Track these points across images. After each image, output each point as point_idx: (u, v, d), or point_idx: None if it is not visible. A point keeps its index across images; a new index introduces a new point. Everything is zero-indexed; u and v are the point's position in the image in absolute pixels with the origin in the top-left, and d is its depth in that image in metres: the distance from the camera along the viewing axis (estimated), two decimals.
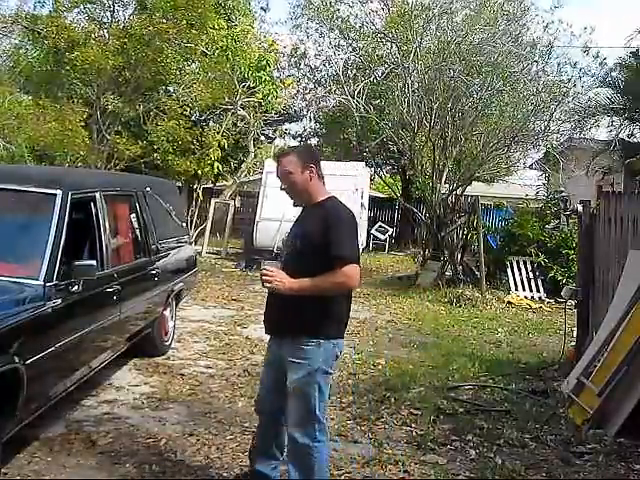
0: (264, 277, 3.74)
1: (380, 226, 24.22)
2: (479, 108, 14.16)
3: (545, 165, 18.14)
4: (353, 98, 15.84)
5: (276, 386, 3.96)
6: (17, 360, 3.87)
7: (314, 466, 3.82)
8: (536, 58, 14.82)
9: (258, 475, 4.13)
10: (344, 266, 3.68)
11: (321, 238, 3.72)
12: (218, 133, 17.50)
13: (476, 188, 18.59)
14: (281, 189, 3.97)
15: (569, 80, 14.71)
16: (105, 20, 17.31)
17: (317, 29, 22.86)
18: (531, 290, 13.83)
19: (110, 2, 17.35)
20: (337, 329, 3.90)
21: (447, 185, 15.57)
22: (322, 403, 3.87)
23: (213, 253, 18.16)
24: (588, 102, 14.56)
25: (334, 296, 3.83)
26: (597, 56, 14.71)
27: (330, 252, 3.68)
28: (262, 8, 23.33)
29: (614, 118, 14.18)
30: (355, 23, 21.16)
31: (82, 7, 16.72)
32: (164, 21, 15.11)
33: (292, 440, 3.85)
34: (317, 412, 3.82)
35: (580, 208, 7.93)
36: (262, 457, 4.12)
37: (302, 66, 25.26)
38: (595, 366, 6.16)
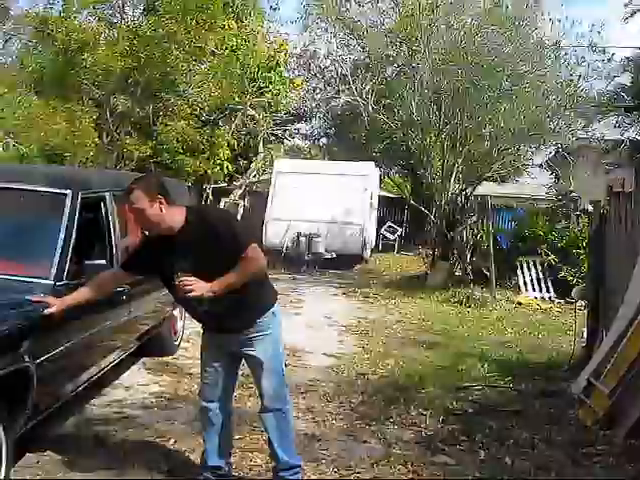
0: (186, 287, 3.74)
1: (389, 226, 24.17)
2: (488, 108, 14.11)
3: (555, 165, 18.07)
4: (362, 98, 15.83)
5: (226, 376, 4.16)
6: (27, 359, 3.89)
7: (289, 429, 4.23)
8: (544, 55, 14.77)
9: (213, 469, 4.21)
10: (249, 252, 3.82)
11: (219, 246, 3.79)
12: (228, 133, 17.53)
13: (486, 188, 18.54)
14: (134, 222, 3.98)
15: (579, 77, 14.65)
16: (115, 21, 17.38)
17: (327, 29, 22.89)
18: (541, 290, 13.78)
19: (120, 3, 17.43)
20: (274, 292, 4.19)
21: (457, 185, 15.54)
22: (283, 366, 4.24)
23: None
24: (597, 100, 14.49)
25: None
26: (604, 51, 14.64)
27: (233, 249, 3.78)
28: (272, 7, 23.28)
29: (623, 117, 14.11)
30: (365, 22, 21.17)
31: (92, 8, 16.78)
32: (173, 22, 15.15)
33: (268, 409, 4.11)
34: (284, 378, 4.21)
35: (590, 208, 7.90)
36: (213, 454, 4.21)
37: (312, 66, 25.30)
38: (605, 367, 6.13)
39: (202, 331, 4.28)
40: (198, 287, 3.74)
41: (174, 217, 3.88)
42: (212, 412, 4.16)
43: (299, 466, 4.24)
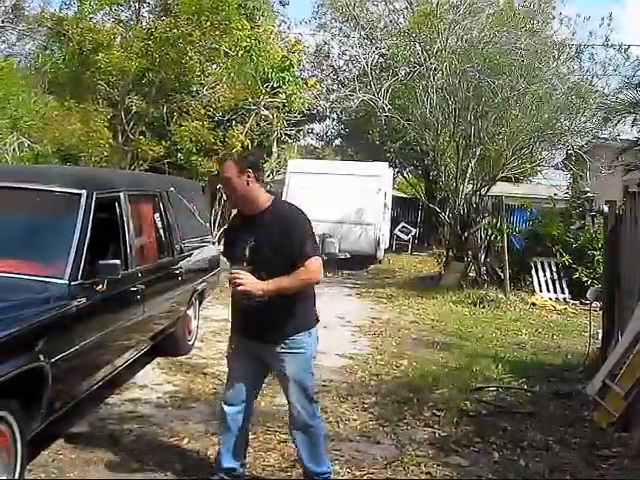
0: (237, 280, 3.79)
1: (403, 226, 24.13)
2: (502, 108, 14.06)
3: (570, 165, 17.97)
4: (377, 98, 15.81)
5: (251, 381, 4.18)
6: (42, 358, 3.91)
7: (320, 441, 4.19)
8: (556, 53, 14.72)
9: (228, 470, 4.20)
10: (310, 263, 3.89)
11: (287, 244, 3.88)
12: (241, 134, 17.52)
13: (501, 188, 18.48)
14: (222, 192, 4.02)
15: (593, 76, 14.59)
16: (130, 22, 17.46)
17: (341, 28, 22.93)
18: (555, 291, 13.69)
19: (136, 5, 17.51)
20: (316, 315, 4.19)
21: (471, 185, 15.49)
22: (312, 383, 4.20)
23: None
24: (613, 99, 14.41)
25: (310, 289, 4.09)
26: (619, 48, 14.57)
27: (296, 253, 3.87)
28: (281, 3, 23.24)
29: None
30: (379, 22, 21.18)
31: (107, 9, 16.85)
32: (189, 22, 15.19)
33: (297, 425, 4.12)
34: (312, 393, 4.17)
35: (606, 208, 7.84)
36: (228, 455, 4.19)
37: (325, 67, 25.35)
38: (620, 368, 6.08)
39: (230, 333, 4.27)
40: (249, 284, 3.79)
41: (260, 195, 4.00)
42: (231, 416, 4.15)
43: (328, 472, 4.24)
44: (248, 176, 3.93)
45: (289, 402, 4.11)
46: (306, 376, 4.10)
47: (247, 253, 3.95)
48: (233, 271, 3.85)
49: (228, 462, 4.18)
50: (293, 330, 4.00)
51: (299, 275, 3.87)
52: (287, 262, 3.86)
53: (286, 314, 3.95)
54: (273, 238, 3.91)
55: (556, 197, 17.21)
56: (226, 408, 4.17)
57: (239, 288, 3.80)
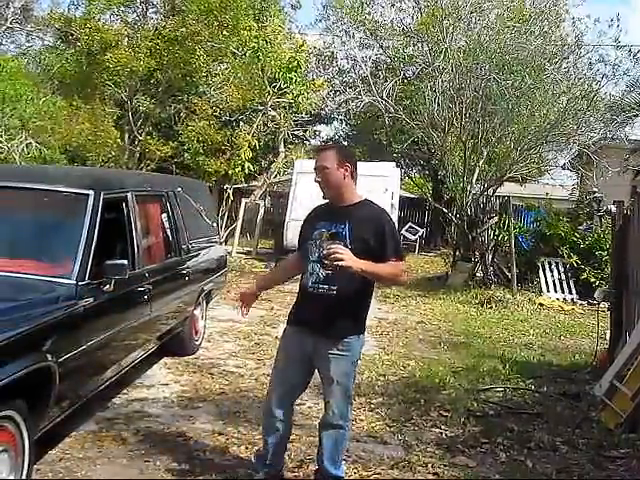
0: (337, 255, 3.69)
1: (410, 227, 24.08)
2: (510, 107, 14.02)
3: (578, 165, 17.92)
4: (383, 99, 15.79)
5: (300, 382, 4.19)
6: (50, 358, 3.92)
7: (343, 444, 4.24)
8: (566, 55, 14.69)
9: (268, 468, 4.24)
10: (403, 264, 4.02)
11: (374, 242, 3.88)
12: (249, 134, 17.53)
13: (509, 188, 18.43)
14: (315, 181, 4.00)
15: (603, 77, 14.54)
16: (137, 22, 17.52)
17: (347, 30, 22.90)
18: (563, 292, 13.66)
19: (143, 6, 17.57)
20: (365, 323, 4.19)
21: (478, 185, 15.45)
22: (353, 386, 4.21)
23: (243, 253, 18.21)
24: (621, 100, 14.36)
25: (372, 296, 4.12)
26: (629, 50, 14.51)
27: (388, 252, 3.88)
28: (292, 6, 23.30)
29: None
30: (385, 23, 21.17)
31: (115, 9, 16.90)
32: (196, 22, 15.22)
33: (329, 425, 4.13)
34: (350, 395, 4.19)
35: (613, 209, 7.82)
36: (270, 455, 4.23)
37: (330, 68, 25.33)
38: (628, 369, 6.07)
39: (284, 329, 4.28)
40: (349, 259, 3.70)
41: (352, 191, 4.03)
42: (277, 419, 4.16)
43: (341, 477, 4.25)
44: (346, 169, 3.95)
45: (327, 402, 4.12)
46: (349, 380, 4.11)
47: (320, 238, 3.95)
48: (333, 246, 3.75)
49: (269, 459, 4.22)
50: (350, 331, 4.01)
51: (390, 268, 3.89)
52: (364, 258, 3.80)
53: (350, 312, 3.96)
54: (359, 232, 3.89)
55: (563, 197, 17.17)
56: (273, 410, 4.17)
57: (340, 263, 3.70)
